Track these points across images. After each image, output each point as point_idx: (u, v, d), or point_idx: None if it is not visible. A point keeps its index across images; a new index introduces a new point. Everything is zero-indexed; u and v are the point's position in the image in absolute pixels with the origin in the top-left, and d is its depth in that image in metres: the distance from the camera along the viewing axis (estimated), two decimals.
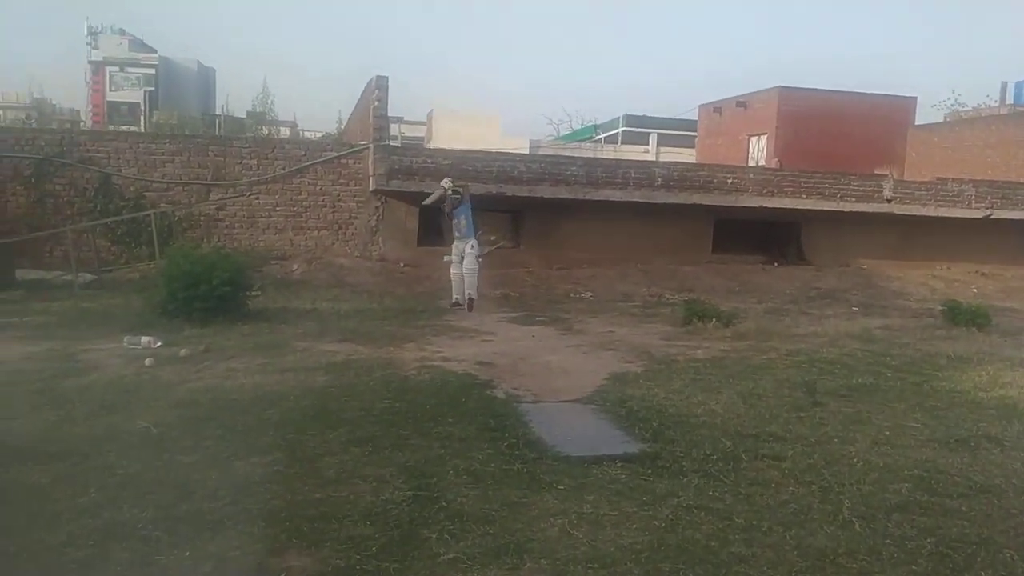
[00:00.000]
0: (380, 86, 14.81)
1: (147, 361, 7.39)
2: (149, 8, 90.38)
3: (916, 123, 27.61)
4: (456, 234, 11.34)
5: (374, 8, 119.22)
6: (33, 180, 13.99)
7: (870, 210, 17.56)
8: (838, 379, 7.49)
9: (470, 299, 11.16)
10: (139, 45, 51.99)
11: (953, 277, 17.69)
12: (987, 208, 18.16)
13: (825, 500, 4.43)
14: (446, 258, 11.63)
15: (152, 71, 50.20)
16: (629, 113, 43.81)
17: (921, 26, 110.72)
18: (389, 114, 15.61)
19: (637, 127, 42.31)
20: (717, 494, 4.45)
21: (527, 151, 29.58)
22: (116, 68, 49.83)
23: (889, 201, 17.67)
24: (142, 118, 40.03)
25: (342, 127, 29.10)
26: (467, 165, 15.19)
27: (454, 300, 11.48)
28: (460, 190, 11.36)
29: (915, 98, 28.59)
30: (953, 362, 8.50)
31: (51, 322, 9.53)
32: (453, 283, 11.50)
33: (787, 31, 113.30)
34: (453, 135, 30.68)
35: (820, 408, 6.38)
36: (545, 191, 15.52)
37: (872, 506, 4.35)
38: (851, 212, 17.48)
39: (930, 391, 7.16)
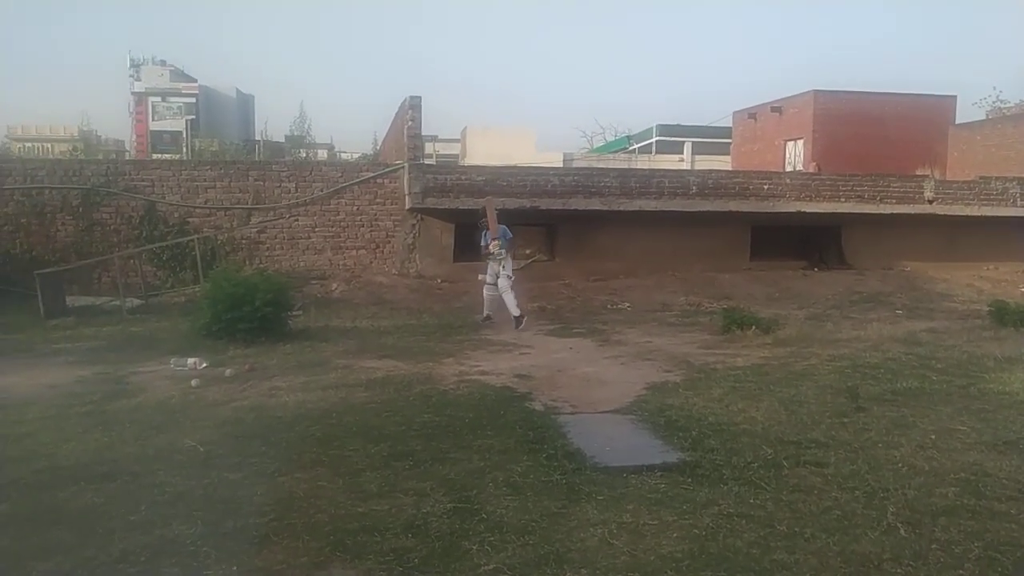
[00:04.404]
0: (413, 106, 15.00)
1: (193, 382, 7.56)
2: (189, 39, 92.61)
3: (957, 122, 27.08)
4: (490, 255, 11.60)
5: (406, 30, 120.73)
6: (81, 210, 14.40)
7: (912, 212, 17.25)
8: (882, 384, 7.39)
9: (515, 317, 11.30)
10: (180, 75, 53.32)
11: (1000, 277, 17.29)
12: None
13: (869, 506, 4.38)
14: (481, 277, 11.91)
15: (193, 100, 51.41)
16: (662, 123, 43.64)
17: (960, 22, 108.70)
18: (423, 133, 15.79)
19: (671, 136, 42.08)
20: (758, 501, 4.43)
21: (561, 165, 29.63)
22: (158, 98, 51.15)
23: (931, 202, 17.36)
24: (184, 146, 40.96)
25: (378, 147, 29.46)
26: (501, 181, 15.30)
27: (485, 315, 11.76)
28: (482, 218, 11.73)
29: (955, 96, 28.04)
30: (1001, 364, 8.33)
31: (101, 346, 9.80)
32: (485, 301, 11.78)
33: (820, 34, 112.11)
34: (487, 152, 30.87)
35: (864, 413, 6.30)
36: (579, 203, 15.54)
37: (918, 511, 4.29)
38: (892, 214, 17.20)
39: (977, 393, 7.03)
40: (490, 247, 11.56)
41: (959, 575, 3.58)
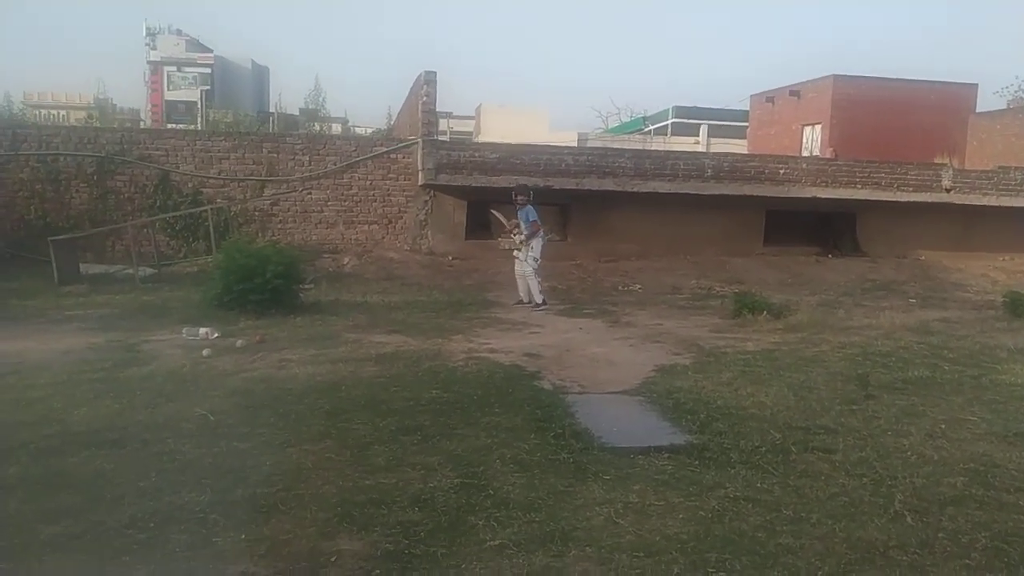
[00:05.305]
0: (428, 81, 14.92)
1: (204, 352, 7.60)
2: (205, 9, 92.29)
3: (977, 110, 26.73)
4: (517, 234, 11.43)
5: (423, 8, 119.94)
6: (95, 177, 14.44)
7: (928, 200, 17.09)
8: (893, 372, 7.35)
9: (534, 304, 11.21)
10: (195, 45, 53.15)
11: (1015, 268, 17.12)
12: None
13: (876, 493, 4.37)
14: (516, 253, 11.54)
15: (208, 70, 51.27)
16: (679, 104, 43.30)
17: (983, 9, 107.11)
18: (437, 109, 15.72)
19: (687, 118, 41.77)
20: (765, 486, 4.42)
21: (575, 144, 29.47)
22: (173, 68, 51.04)
23: (948, 191, 17.18)
24: (199, 116, 40.94)
25: (392, 123, 29.36)
26: (514, 159, 15.23)
27: (518, 299, 11.54)
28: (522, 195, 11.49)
29: (976, 85, 27.59)
30: (1013, 355, 8.27)
31: (113, 314, 9.86)
32: (518, 282, 11.58)
33: (841, 19, 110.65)
34: (501, 130, 30.69)
35: (873, 401, 6.27)
36: (592, 183, 15.46)
37: (925, 499, 4.28)
38: (908, 202, 17.04)
39: (988, 384, 6.99)
40: (511, 233, 11.49)
41: (965, 564, 3.57)
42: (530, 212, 11.32)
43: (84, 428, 5.21)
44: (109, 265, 13.59)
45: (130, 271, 12.93)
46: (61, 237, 12.70)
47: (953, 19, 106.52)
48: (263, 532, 3.73)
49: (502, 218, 11.66)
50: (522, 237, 11.29)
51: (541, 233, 11.48)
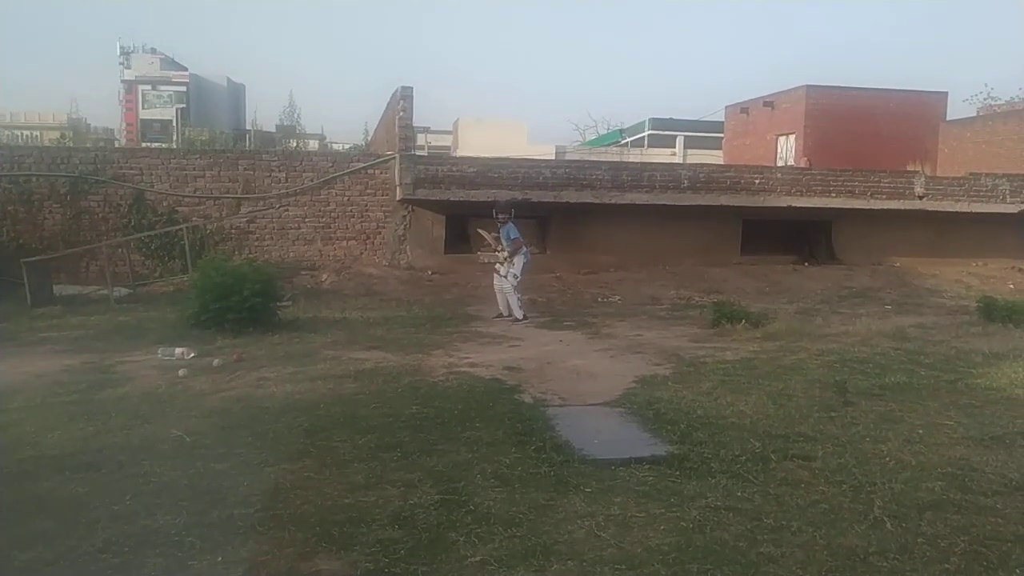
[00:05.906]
0: (405, 96, 14.92)
1: (181, 372, 7.52)
2: (180, 27, 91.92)
3: (948, 118, 27.15)
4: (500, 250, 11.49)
5: (399, 21, 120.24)
6: (69, 197, 14.28)
7: (902, 207, 17.31)
8: (870, 378, 7.41)
9: (514, 318, 11.24)
10: (170, 63, 53.01)
11: (988, 273, 17.37)
12: (1022, 203, 17.81)
13: (856, 499, 4.39)
14: (497, 266, 11.57)
15: (183, 88, 51.12)
16: (655, 116, 43.64)
17: (952, 19, 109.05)
18: (415, 124, 15.71)
19: (663, 130, 42.12)
20: (746, 495, 4.43)
21: (553, 157, 29.57)
22: (148, 86, 50.87)
23: (921, 198, 17.41)
24: (174, 135, 40.72)
25: (369, 138, 29.33)
26: (492, 172, 15.26)
27: (496, 313, 11.56)
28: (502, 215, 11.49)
29: (946, 93, 28.04)
30: (988, 359, 8.36)
31: (88, 335, 9.73)
32: (497, 296, 11.60)
33: (813, 29, 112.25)
34: (479, 144, 30.75)
35: (851, 408, 6.32)
36: (570, 196, 15.51)
37: (904, 505, 4.30)
38: (882, 210, 17.24)
39: (965, 389, 7.06)
40: (496, 250, 11.55)
41: (945, 569, 3.59)
42: (511, 230, 11.35)
43: (58, 451, 5.13)
44: (83, 286, 13.42)
45: (105, 292, 12.78)
46: (34, 258, 12.53)
47: (922, 28, 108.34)
48: (240, 554, 3.68)
49: (488, 237, 11.68)
50: (506, 254, 11.33)
51: (524, 250, 11.50)
